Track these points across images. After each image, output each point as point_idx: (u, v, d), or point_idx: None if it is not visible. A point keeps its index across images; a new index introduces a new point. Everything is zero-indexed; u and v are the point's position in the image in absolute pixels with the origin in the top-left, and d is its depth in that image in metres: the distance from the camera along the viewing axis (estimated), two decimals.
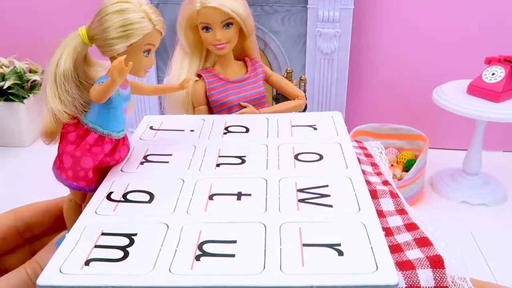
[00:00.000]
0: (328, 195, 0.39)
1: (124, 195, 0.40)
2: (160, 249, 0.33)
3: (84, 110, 0.41)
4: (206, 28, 0.74)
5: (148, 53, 0.42)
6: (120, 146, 0.43)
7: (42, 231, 0.43)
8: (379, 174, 0.51)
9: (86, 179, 0.41)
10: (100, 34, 0.39)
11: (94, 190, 0.41)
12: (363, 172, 0.46)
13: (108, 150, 0.42)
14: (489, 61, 1.58)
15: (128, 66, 0.37)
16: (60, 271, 0.31)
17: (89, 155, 0.40)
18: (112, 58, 0.41)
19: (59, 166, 0.41)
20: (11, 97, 2.01)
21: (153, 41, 0.41)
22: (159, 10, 0.42)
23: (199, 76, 0.79)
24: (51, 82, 0.39)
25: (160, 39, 0.43)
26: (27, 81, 2.08)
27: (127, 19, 0.39)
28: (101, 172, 0.43)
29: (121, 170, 0.44)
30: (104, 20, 0.39)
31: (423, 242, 0.39)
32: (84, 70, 0.42)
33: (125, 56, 0.37)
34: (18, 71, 2.01)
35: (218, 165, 0.44)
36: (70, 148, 0.40)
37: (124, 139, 0.44)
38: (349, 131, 0.64)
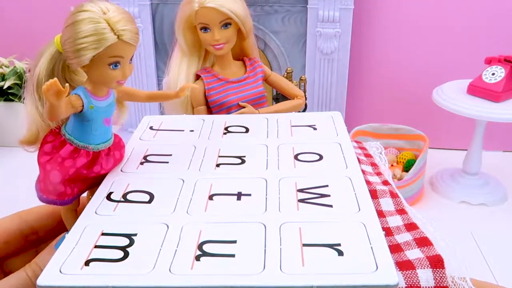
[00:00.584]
0: (328, 195, 0.39)
1: (124, 195, 0.40)
2: (160, 249, 0.33)
3: (64, 121, 0.40)
4: (205, 29, 0.74)
5: (116, 65, 0.38)
6: (101, 158, 0.41)
7: (46, 234, 0.43)
8: (379, 174, 0.51)
9: (55, 193, 0.39)
10: (64, 45, 0.38)
11: (69, 202, 0.40)
12: (363, 172, 0.46)
13: (82, 164, 0.40)
14: (489, 61, 1.58)
15: (65, 88, 0.35)
16: (60, 271, 0.31)
17: (59, 169, 0.39)
18: (83, 69, 0.39)
19: (38, 176, 0.40)
20: (11, 97, 2.01)
21: (119, 53, 0.38)
22: (131, 18, 0.38)
23: (198, 76, 0.79)
24: (30, 89, 0.39)
25: (131, 52, 0.39)
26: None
27: (86, 31, 0.36)
28: (81, 184, 0.41)
29: (121, 170, 0.44)
30: (65, 31, 0.37)
31: (423, 242, 0.39)
32: (70, 78, 0.41)
33: (55, 79, 0.34)
34: (18, 71, 2.01)
35: (218, 165, 0.44)
36: (43, 160, 0.39)
37: (110, 149, 0.42)
38: (349, 131, 0.64)
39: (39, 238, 0.42)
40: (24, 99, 0.39)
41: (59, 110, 0.36)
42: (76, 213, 0.42)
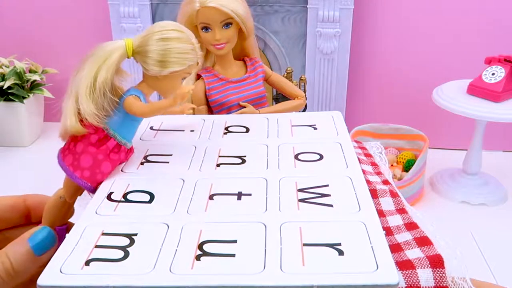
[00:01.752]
0: (329, 195, 0.39)
1: (125, 195, 0.40)
2: (161, 249, 0.33)
3: (107, 116, 0.41)
4: (206, 28, 0.74)
5: (183, 80, 0.44)
6: (128, 154, 0.45)
7: (6, 226, 0.41)
8: (379, 173, 0.51)
9: (99, 182, 0.41)
10: (152, 53, 0.40)
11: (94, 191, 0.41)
12: (363, 171, 0.46)
13: (124, 159, 0.43)
14: (489, 61, 1.58)
15: (189, 93, 0.41)
16: (60, 271, 0.31)
17: (109, 160, 0.41)
18: (150, 76, 0.42)
19: (72, 163, 0.41)
20: (11, 97, 2.01)
21: (191, 71, 0.43)
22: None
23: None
24: (88, 86, 0.40)
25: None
26: (27, 81, 2.08)
27: (180, 47, 0.41)
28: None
29: (121, 170, 0.44)
30: (157, 42, 0.40)
31: (423, 242, 0.39)
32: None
33: (192, 86, 0.41)
34: (18, 71, 2.01)
35: (218, 165, 0.45)
36: (92, 150, 0.41)
37: (132, 148, 0.45)
38: (349, 131, 0.64)
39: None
40: (71, 93, 0.40)
41: (166, 111, 0.41)
42: (68, 205, 0.42)
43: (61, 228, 0.41)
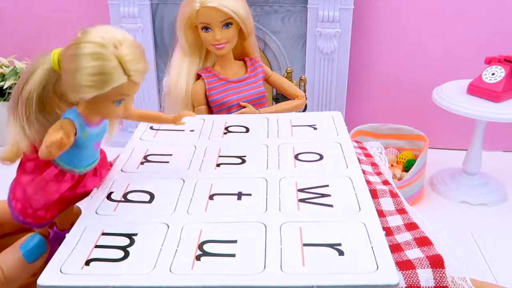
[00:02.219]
0: (329, 195, 0.39)
1: (125, 195, 0.40)
2: (161, 249, 0.33)
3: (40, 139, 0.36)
4: (206, 28, 0.74)
5: (119, 102, 0.36)
6: (85, 179, 0.39)
7: (12, 230, 0.40)
8: (379, 174, 0.51)
9: (34, 217, 0.37)
10: (63, 71, 0.34)
11: (44, 225, 0.38)
12: (363, 172, 0.46)
13: (67, 188, 0.37)
14: (489, 61, 1.58)
15: (69, 141, 0.33)
16: (61, 271, 0.31)
17: (41, 194, 0.36)
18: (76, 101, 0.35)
19: (12, 190, 0.37)
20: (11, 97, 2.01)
21: (127, 92, 0.35)
22: (143, 52, 0.35)
23: (198, 76, 0.79)
24: (15, 107, 0.35)
25: (136, 90, 0.36)
26: None
27: (100, 67, 0.32)
28: (62, 205, 0.39)
29: (121, 170, 0.44)
30: (68, 59, 0.33)
31: (423, 242, 0.39)
32: (61, 96, 0.36)
33: (60, 136, 0.32)
34: (18, 71, 2.01)
35: (218, 165, 0.45)
36: (25, 180, 0.36)
37: (96, 170, 0.40)
38: (349, 131, 0.64)
39: (4, 234, 0.39)
40: (8, 115, 0.36)
41: (52, 157, 0.34)
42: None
43: (64, 232, 0.38)
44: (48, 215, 0.37)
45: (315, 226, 0.35)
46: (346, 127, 0.51)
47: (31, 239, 0.36)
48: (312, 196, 0.39)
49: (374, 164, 0.54)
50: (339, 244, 0.33)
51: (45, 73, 0.34)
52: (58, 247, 0.35)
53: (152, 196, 0.40)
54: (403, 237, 0.41)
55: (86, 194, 0.40)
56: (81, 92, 0.32)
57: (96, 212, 0.38)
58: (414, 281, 0.36)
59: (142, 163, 0.45)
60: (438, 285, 0.36)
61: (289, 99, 0.83)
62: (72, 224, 0.38)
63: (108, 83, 0.32)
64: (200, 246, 0.33)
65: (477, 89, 1.56)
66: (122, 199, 0.39)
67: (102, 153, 0.41)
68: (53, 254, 0.34)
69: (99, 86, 0.32)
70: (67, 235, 0.35)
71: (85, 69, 0.32)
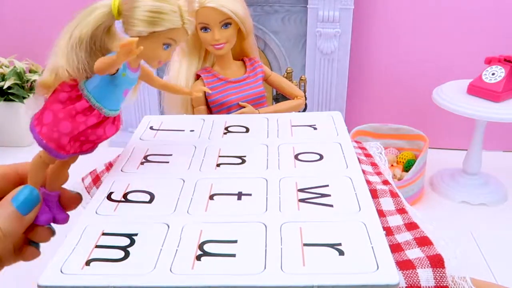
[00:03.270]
0: (329, 195, 0.39)
1: (125, 195, 0.40)
2: (161, 249, 0.33)
3: (86, 76, 0.40)
4: (205, 28, 0.74)
5: (168, 47, 0.41)
6: (106, 123, 0.42)
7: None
8: (379, 173, 0.51)
9: (57, 143, 0.39)
10: (128, 11, 0.39)
11: (61, 157, 0.39)
12: (363, 172, 0.46)
13: (92, 123, 0.40)
14: (489, 61, 1.58)
15: (138, 50, 0.37)
16: (61, 271, 0.31)
17: (71, 121, 0.39)
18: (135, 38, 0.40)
19: (38, 117, 0.40)
20: (11, 97, 2.01)
21: (177, 37, 0.41)
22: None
23: (198, 76, 0.79)
24: (65, 40, 0.39)
25: (185, 40, 0.42)
26: (27, 81, 2.08)
27: (159, 7, 0.39)
28: (80, 144, 0.41)
29: (122, 170, 0.44)
30: (149, 2, 0.39)
31: (423, 242, 0.39)
32: (104, 41, 0.41)
33: (137, 38, 0.37)
34: (18, 71, 2.01)
35: (218, 165, 0.44)
36: (56, 107, 0.39)
37: (115, 119, 0.43)
38: (349, 131, 0.64)
39: None
40: (55, 44, 0.39)
41: (115, 67, 0.38)
42: (47, 167, 0.40)
43: (52, 194, 0.39)
44: (68, 147, 0.39)
45: (315, 226, 0.35)
46: (346, 127, 0.51)
47: (22, 191, 0.36)
48: (312, 196, 0.39)
49: (374, 164, 0.54)
50: (339, 244, 0.33)
51: (101, 16, 0.39)
52: (46, 207, 0.36)
53: (152, 196, 0.40)
54: (403, 237, 0.41)
55: (100, 141, 0.42)
56: (138, 26, 0.38)
57: (96, 212, 0.38)
58: (414, 280, 0.36)
59: (142, 163, 0.45)
60: (438, 284, 0.36)
61: (289, 99, 0.83)
62: (60, 189, 0.39)
63: (164, 22, 0.39)
64: (201, 246, 0.33)
65: (477, 89, 1.56)
66: (122, 199, 0.39)
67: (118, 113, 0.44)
68: (41, 215, 0.36)
69: (155, 22, 0.38)
70: (67, 235, 0.35)
71: (145, 6, 0.38)
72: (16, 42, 2.21)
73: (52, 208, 0.39)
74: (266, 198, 0.39)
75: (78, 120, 0.39)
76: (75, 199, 0.40)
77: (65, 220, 0.39)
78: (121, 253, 0.33)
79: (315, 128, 0.52)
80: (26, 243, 0.37)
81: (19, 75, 2.01)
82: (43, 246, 0.39)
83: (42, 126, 0.39)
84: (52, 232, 0.38)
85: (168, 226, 0.36)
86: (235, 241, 0.33)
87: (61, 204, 0.40)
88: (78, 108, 0.39)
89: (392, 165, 1.75)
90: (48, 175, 0.40)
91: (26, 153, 2.19)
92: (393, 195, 0.46)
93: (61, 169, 0.40)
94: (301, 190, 0.40)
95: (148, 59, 0.41)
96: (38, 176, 0.38)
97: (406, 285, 0.35)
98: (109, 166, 0.68)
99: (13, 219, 0.35)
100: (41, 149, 0.39)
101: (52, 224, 0.38)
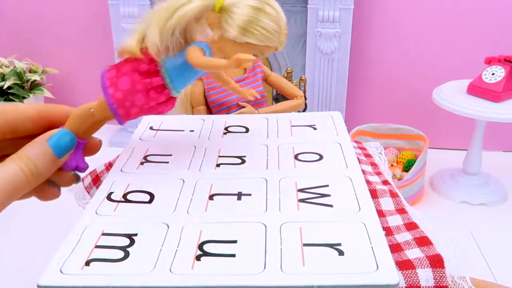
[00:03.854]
0: (328, 195, 0.39)
1: (125, 196, 0.40)
2: (161, 249, 0.33)
3: (167, 55, 0.40)
4: None
5: (256, 56, 0.43)
6: (169, 101, 0.43)
7: (22, 135, 0.39)
8: (378, 173, 0.51)
9: (127, 111, 0.40)
10: (238, 16, 0.40)
11: (122, 123, 0.40)
12: (363, 172, 0.46)
13: (161, 101, 0.41)
14: (489, 61, 1.58)
15: (248, 65, 0.38)
16: (61, 272, 0.31)
17: (145, 94, 0.40)
18: (225, 38, 0.41)
19: (112, 78, 0.40)
20: (11, 97, 2.01)
21: (266, 52, 0.43)
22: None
23: None
24: (163, 16, 0.39)
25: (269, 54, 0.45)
26: (27, 81, 2.08)
27: (267, 24, 0.40)
28: (140, 114, 0.42)
29: (121, 170, 0.44)
30: (246, 8, 0.40)
31: (423, 242, 0.39)
32: (193, 27, 0.42)
33: (254, 58, 0.38)
34: (18, 71, 2.01)
35: (218, 165, 0.45)
36: (136, 77, 0.39)
37: (174, 99, 0.44)
38: (349, 131, 0.64)
39: (13, 140, 0.38)
40: (146, 17, 0.40)
41: (215, 70, 0.40)
42: (94, 119, 0.40)
43: (82, 142, 0.39)
44: (133, 116, 0.41)
45: (315, 226, 0.35)
46: (346, 127, 0.51)
47: (62, 136, 0.37)
48: (312, 196, 0.39)
49: (374, 164, 0.54)
50: (339, 244, 0.33)
51: (204, 6, 0.40)
52: (72, 154, 0.37)
53: (152, 196, 0.40)
54: (403, 237, 0.41)
55: (155, 114, 0.44)
56: (246, 37, 0.40)
57: (96, 212, 0.38)
58: (414, 280, 0.36)
59: (142, 163, 0.45)
60: (438, 284, 0.36)
61: (289, 99, 0.83)
62: (90, 138, 0.41)
63: (268, 41, 0.41)
64: (200, 246, 0.33)
65: (477, 89, 1.56)
66: (122, 199, 0.39)
67: None
68: (70, 160, 0.37)
69: (261, 40, 0.41)
70: (66, 235, 0.35)
71: (262, 23, 0.40)
72: (16, 42, 2.21)
73: (76, 155, 0.39)
74: (266, 198, 0.39)
75: (151, 95, 0.40)
76: (96, 147, 0.41)
77: (85, 169, 0.40)
78: (121, 253, 0.33)
79: (315, 128, 0.52)
80: (46, 183, 0.37)
81: (19, 75, 2.01)
82: (42, 247, 0.38)
83: (116, 90, 0.39)
84: (77, 178, 0.39)
85: (168, 226, 0.36)
86: (235, 241, 0.33)
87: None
88: (154, 83, 0.40)
89: (392, 165, 1.75)
90: (85, 125, 0.40)
91: None
92: (393, 195, 0.46)
93: (102, 123, 0.41)
94: (301, 190, 0.40)
95: (228, 58, 0.42)
96: (80, 126, 0.38)
97: (406, 285, 0.35)
98: (109, 166, 0.68)
99: (48, 160, 0.35)
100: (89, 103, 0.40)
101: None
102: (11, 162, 0.34)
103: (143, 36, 0.40)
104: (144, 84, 0.39)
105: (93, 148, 0.41)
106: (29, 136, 0.38)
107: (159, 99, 0.41)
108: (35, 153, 0.35)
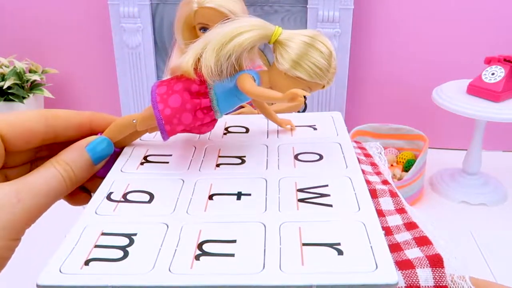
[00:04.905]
0: (328, 195, 0.39)
1: (124, 195, 0.40)
2: (160, 249, 0.33)
3: (219, 79, 0.41)
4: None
5: (304, 90, 0.43)
6: (211, 123, 0.44)
7: (61, 141, 0.39)
8: (378, 173, 0.51)
9: (172, 128, 0.40)
10: (292, 49, 0.40)
11: (166, 139, 0.41)
12: (363, 171, 0.46)
13: (206, 122, 0.42)
14: (489, 61, 1.58)
15: (301, 99, 0.38)
16: (60, 271, 0.31)
17: (193, 114, 0.40)
18: (277, 70, 0.41)
19: (162, 95, 0.40)
20: (11, 97, 2.01)
21: (313, 88, 0.42)
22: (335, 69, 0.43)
23: None
24: (221, 41, 0.39)
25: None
26: (27, 81, 2.08)
27: (316, 59, 0.40)
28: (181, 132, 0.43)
29: (121, 171, 0.44)
30: (301, 45, 0.40)
31: (422, 241, 0.39)
32: (245, 55, 0.42)
33: (307, 93, 0.39)
34: (18, 71, 2.01)
35: (218, 165, 0.45)
36: (186, 96, 0.40)
37: (215, 121, 0.45)
38: (349, 131, 0.64)
39: (52, 145, 0.39)
40: (207, 40, 0.40)
41: (268, 101, 0.40)
42: (135, 132, 0.42)
43: (117, 150, 0.40)
44: (176, 133, 0.41)
45: (314, 226, 0.35)
46: (346, 127, 0.51)
47: (101, 144, 0.38)
48: (312, 196, 0.39)
49: (373, 164, 0.54)
50: (339, 244, 0.33)
51: (260, 37, 0.40)
52: (109, 161, 0.39)
53: (151, 196, 0.40)
54: (403, 236, 0.41)
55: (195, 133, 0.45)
56: (297, 71, 0.40)
57: (95, 212, 0.38)
58: (414, 280, 0.36)
59: (142, 163, 0.45)
60: (437, 284, 0.36)
61: None
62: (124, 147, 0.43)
63: (318, 77, 0.40)
64: (200, 246, 0.33)
65: (477, 89, 1.56)
66: (122, 199, 0.39)
67: None
68: (103, 168, 0.38)
69: (311, 76, 0.40)
70: (66, 234, 0.35)
71: (313, 59, 0.40)
72: (16, 42, 2.21)
73: (109, 162, 0.40)
74: (266, 198, 0.39)
75: (198, 116, 0.41)
76: (85, 199, 0.42)
77: None
78: (120, 253, 0.33)
79: (315, 128, 0.52)
80: (78, 189, 0.38)
81: (19, 75, 2.02)
82: (42, 246, 0.39)
83: (166, 107, 0.40)
84: None
85: (167, 226, 0.36)
86: (234, 241, 0.33)
87: None
88: (202, 104, 0.41)
89: (392, 165, 1.75)
90: (124, 135, 0.42)
91: None
92: (393, 195, 0.47)
93: (139, 135, 0.43)
94: (300, 190, 0.40)
95: (274, 89, 0.42)
96: (119, 135, 0.39)
97: (405, 284, 0.36)
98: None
99: (86, 166, 0.37)
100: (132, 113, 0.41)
101: None
102: (50, 166, 0.35)
103: (198, 57, 0.40)
104: (194, 104, 0.40)
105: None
106: (67, 141, 0.39)
107: (204, 120, 0.42)
108: (73, 159, 0.36)
